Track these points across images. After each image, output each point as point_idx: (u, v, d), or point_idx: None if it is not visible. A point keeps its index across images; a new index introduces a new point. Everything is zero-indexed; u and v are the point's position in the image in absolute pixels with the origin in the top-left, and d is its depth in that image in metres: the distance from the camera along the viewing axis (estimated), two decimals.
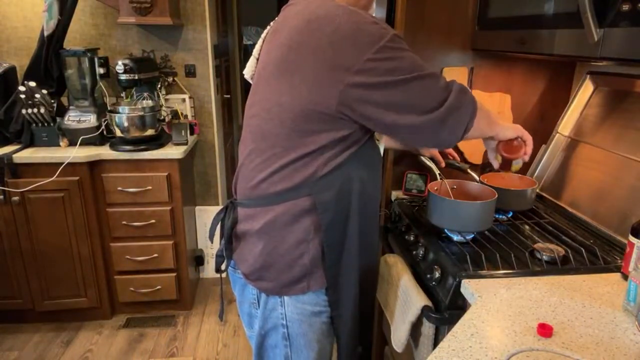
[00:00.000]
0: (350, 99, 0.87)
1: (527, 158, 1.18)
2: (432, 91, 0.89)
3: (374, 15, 1.05)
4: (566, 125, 1.54)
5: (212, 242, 1.12)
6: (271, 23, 1.09)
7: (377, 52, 0.84)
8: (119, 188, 2.24)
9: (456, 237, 1.26)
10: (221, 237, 1.11)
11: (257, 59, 1.10)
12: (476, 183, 1.35)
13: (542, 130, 1.68)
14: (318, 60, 0.86)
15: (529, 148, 1.16)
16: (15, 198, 2.13)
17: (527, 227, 1.35)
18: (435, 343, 1.12)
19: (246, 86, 1.25)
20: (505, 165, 1.28)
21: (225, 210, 1.10)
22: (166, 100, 2.60)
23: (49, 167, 2.12)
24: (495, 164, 1.25)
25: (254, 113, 1.00)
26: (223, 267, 1.13)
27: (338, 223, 0.99)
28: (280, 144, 0.94)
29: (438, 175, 1.35)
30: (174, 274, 2.43)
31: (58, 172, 2.11)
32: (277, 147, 0.95)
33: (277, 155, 0.95)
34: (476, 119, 0.94)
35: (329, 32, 0.85)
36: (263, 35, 1.10)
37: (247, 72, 1.15)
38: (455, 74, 1.61)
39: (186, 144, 2.36)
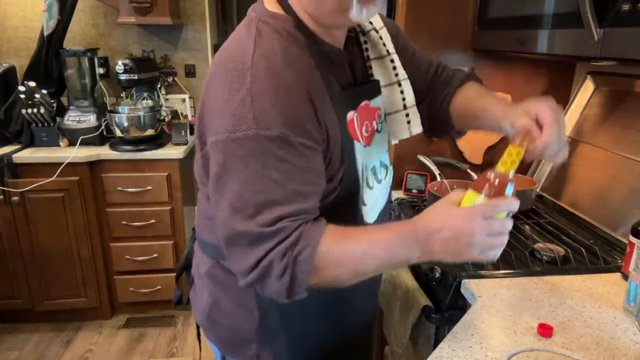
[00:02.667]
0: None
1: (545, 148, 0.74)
2: (239, 248, 0.69)
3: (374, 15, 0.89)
4: (566, 125, 1.54)
5: (177, 283, 1.02)
6: None
7: (226, 142, 0.67)
8: (119, 188, 2.24)
9: None
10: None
11: None
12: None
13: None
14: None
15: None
16: (15, 198, 2.13)
17: (527, 227, 1.35)
18: (435, 343, 1.11)
19: None
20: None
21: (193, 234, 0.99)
22: (166, 100, 2.60)
23: (48, 167, 2.12)
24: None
25: None
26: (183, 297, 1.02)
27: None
28: (204, 192, 0.83)
29: (438, 175, 1.35)
30: (174, 274, 2.43)
31: (58, 172, 2.11)
32: (204, 194, 0.84)
33: (206, 204, 0.84)
34: (308, 283, 0.68)
35: (205, 95, 0.73)
36: None
37: None
38: None
39: (186, 143, 2.36)
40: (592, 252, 1.16)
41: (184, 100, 2.64)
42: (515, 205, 0.67)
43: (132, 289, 2.41)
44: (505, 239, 0.68)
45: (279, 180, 0.66)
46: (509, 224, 0.67)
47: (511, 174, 0.69)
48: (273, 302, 0.72)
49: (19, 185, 2.13)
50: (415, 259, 0.69)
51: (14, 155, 2.10)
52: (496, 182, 0.67)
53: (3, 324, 2.38)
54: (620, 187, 1.27)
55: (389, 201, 0.99)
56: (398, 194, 1.63)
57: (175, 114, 2.59)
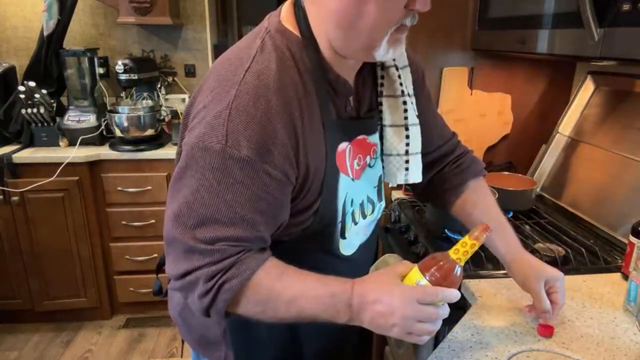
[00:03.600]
0: None
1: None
2: (173, 252, 0.69)
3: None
4: (566, 125, 1.54)
5: (157, 275, 1.00)
6: None
7: (192, 147, 0.66)
8: (119, 188, 2.24)
9: (456, 237, 1.25)
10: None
11: None
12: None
13: (542, 130, 1.68)
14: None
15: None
16: (15, 198, 2.13)
17: (527, 227, 1.35)
18: (436, 343, 1.11)
19: None
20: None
21: None
22: (166, 100, 2.60)
23: (48, 167, 2.12)
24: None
25: None
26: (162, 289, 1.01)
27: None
28: None
29: None
30: None
31: (58, 172, 2.11)
32: None
33: None
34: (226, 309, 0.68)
35: (194, 101, 0.73)
36: None
37: None
38: (456, 74, 1.61)
39: None
40: (592, 252, 1.16)
41: (184, 100, 2.64)
42: (455, 297, 0.66)
43: (132, 289, 2.41)
44: (435, 327, 0.67)
45: (229, 201, 0.65)
46: (445, 313, 0.67)
47: (461, 263, 0.67)
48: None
49: (18, 185, 2.12)
50: (340, 322, 0.68)
51: (13, 155, 2.10)
52: (443, 269, 0.66)
53: (3, 324, 2.38)
54: (620, 187, 1.27)
55: (375, 235, 0.96)
56: (398, 194, 1.63)
57: (175, 114, 2.58)
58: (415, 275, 0.67)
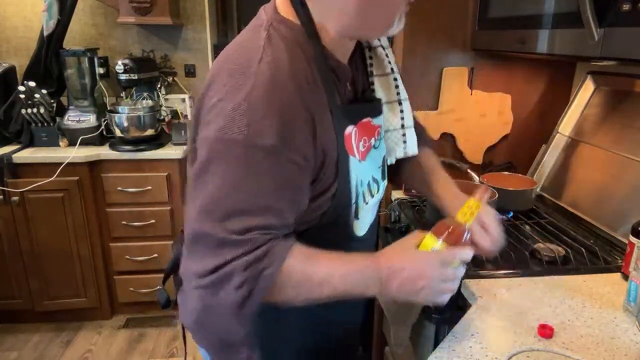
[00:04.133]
0: None
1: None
2: (201, 249, 0.68)
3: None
4: (566, 125, 1.54)
5: (164, 285, 0.99)
6: None
7: (213, 141, 0.67)
8: (119, 188, 2.24)
9: None
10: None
11: None
12: (476, 183, 1.35)
13: (542, 130, 1.68)
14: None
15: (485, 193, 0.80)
16: (15, 198, 2.13)
17: (527, 227, 1.35)
18: (436, 343, 1.12)
19: None
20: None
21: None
22: (166, 100, 2.60)
23: (48, 167, 2.12)
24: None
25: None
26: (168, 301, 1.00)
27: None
28: None
29: None
30: (174, 275, 2.43)
31: (58, 172, 2.11)
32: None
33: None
34: (255, 301, 0.68)
35: (206, 93, 0.72)
36: None
37: None
38: (456, 74, 1.61)
39: (186, 143, 2.35)
40: (592, 252, 1.16)
41: (184, 100, 2.64)
42: (469, 256, 0.72)
43: (132, 289, 2.41)
44: (455, 286, 0.73)
45: (257, 190, 0.66)
46: (461, 272, 0.73)
47: (468, 225, 0.74)
48: (264, 305, 0.71)
49: (18, 185, 2.12)
50: (370, 295, 0.73)
51: (13, 155, 2.10)
52: (455, 231, 0.73)
53: (3, 324, 2.38)
54: (620, 187, 1.27)
55: (378, 214, 1.01)
56: (398, 194, 1.63)
57: (175, 114, 2.59)
58: (430, 242, 0.73)
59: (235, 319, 0.72)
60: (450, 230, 0.72)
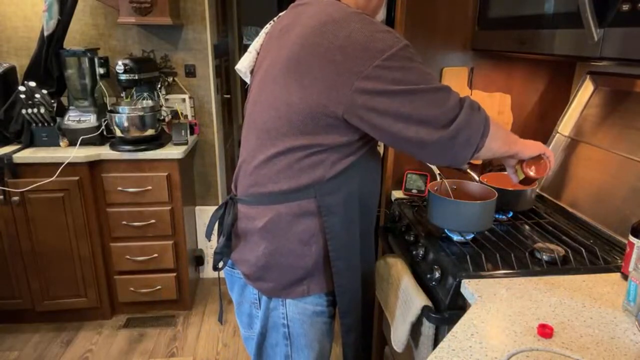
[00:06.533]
0: (357, 105, 0.86)
1: (550, 172, 1.20)
2: (441, 106, 0.86)
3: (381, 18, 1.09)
4: (566, 125, 1.54)
5: (209, 240, 1.12)
6: (275, 18, 1.09)
7: (387, 59, 0.83)
8: (119, 188, 2.24)
9: (456, 237, 1.25)
10: (219, 235, 1.09)
11: (258, 53, 1.09)
12: (476, 183, 1.35)
13: (542, 130, 1.68)
14: (327, 64, 0.85)
15: (552, 164, 1.12)
16: (15, 198, 2.13)
17: (527, 227, 1.35)
18: (435, 343, 1.12)
19: (245, 85, 1.23)
20: (527, 181, 1.17)
21: (225, 206, 1.09)
22: (166, 100, 2.60)
23: (49, 167, 2.12)
24: (515, 179, 1.17)
25: (259, 110, 0.98)
26: (221, 264, 1.10)
27: (342, 227, 0.99)
28: (286, 143, 0.93)
29: (438, 175, 1.35)
30: (174, 274, 2.43)
31: (58, 172, 2.11)
32: (283, 145, 0.93)
33: (283, 154, 0.94)
34: (488, 139, 0.91)
35: (342, 36, 0.84)
36: (265, 30, 1.08)
37: (244, 66, 1.11)
38: (455, 74, 1.61)
39: (186, 144, 2.36)
40: (592, 252, 1.16)
41: (184, 100, 2.65)
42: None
43: (132, 289, 2.41)
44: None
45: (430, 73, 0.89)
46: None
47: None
48: (329, 234, 0.97)
49: (19, 185, 2.13)
50: (512, 152, 1.05)
51: (14, 155, 2.10)
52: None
53: (3, 324, 2.38)
54: (620, 187, 1.27)
55: (377, 214, 1.14)
56: (398, 194, 1.63)
57: (175, 114, 2.59)
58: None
59: (308, 250, 0.99)
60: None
